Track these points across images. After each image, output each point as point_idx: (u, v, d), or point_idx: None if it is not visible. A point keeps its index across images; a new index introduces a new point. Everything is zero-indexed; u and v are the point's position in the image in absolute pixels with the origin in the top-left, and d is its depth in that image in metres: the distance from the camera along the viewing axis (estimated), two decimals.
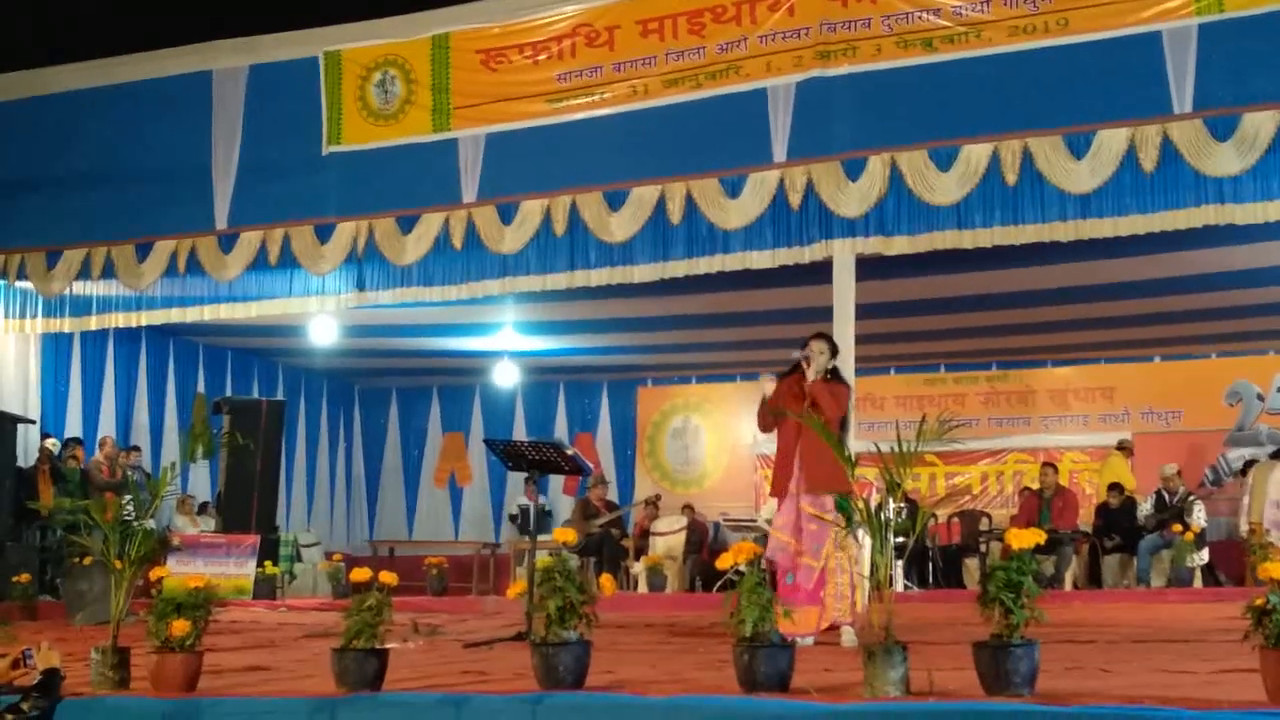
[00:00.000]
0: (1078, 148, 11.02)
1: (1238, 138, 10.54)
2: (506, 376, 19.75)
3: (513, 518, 18.80)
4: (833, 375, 8.23)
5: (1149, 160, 10.77)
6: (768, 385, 8.14)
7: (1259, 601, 4.48)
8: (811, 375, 8.05)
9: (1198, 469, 17.40)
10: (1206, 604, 11.05)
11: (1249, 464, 15.76)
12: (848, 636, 7.74)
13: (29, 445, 15.29)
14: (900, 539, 11.78)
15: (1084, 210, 11.03)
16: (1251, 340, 17.41)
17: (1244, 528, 15.04)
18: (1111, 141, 10.91)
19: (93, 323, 14.72)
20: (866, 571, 7.68)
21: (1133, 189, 10.89)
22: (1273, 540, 14.23)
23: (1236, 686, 4.93)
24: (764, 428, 8.28)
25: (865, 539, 7.56)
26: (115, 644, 5.87)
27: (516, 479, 18.56)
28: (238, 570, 13.83)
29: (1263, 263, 13.31)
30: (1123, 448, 16.84)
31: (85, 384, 16.99)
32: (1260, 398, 17.68)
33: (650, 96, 12.46)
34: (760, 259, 12.12)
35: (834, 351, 8.24)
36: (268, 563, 14.44)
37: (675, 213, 12.24)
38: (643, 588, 15.20)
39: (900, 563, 12.89)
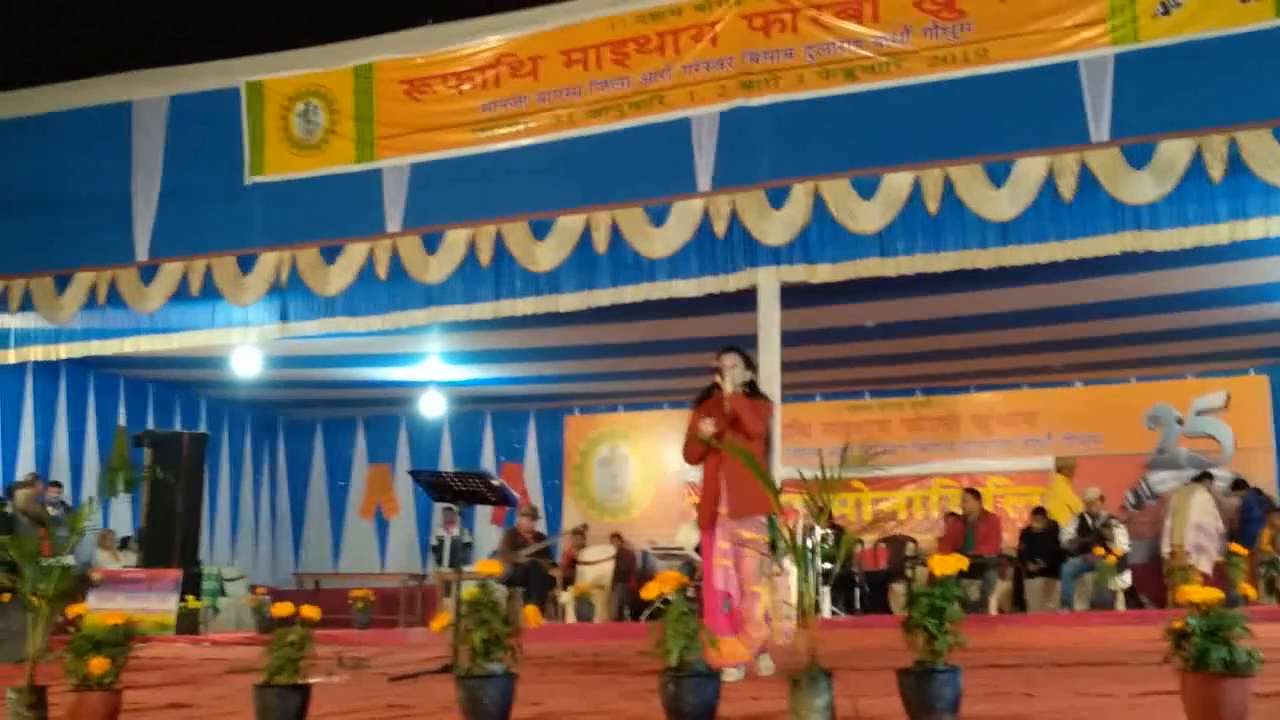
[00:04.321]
0: (997, 176, 11.17)
1: (1154, 165, 10.72)
2: (433, 407, 19.65)
3: (433, 549, 18.67)
4: (751, 390, 7.86)
5: (1068, 188, 10.93)
6: (705, 425, 7.65)
7: (1178, 624, 4.51)
8: (729, 387, 7.69)
9: (1119, 492, 17.58)
10: (1129, 627, 11.15)
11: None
12: (765, 664, 7.51)
13: None
14: (827, 565, 11.91)
15: (1004, 238, 11.18)
16: (1170, 364, 17.65)
17: (1166, 550, 15.23)
18: (1030, 170, 11.06)
19: (11, 356, 14.49)
20: (788, 598, 7.55)
21: (1052, 216, 11.04)
22: (1193, 563, 14.43)
23: (1157, 709, 4.98)
24: (692, 459, 7.89)
25: (790, 566, 7.47)
26: (32, 682, 5.77)
27: (444, 510, 18.44)
28: (160, 605, 13.63)
29: (1180, 289, 13.49)
30: (1063, 469, 16.96)
31: (4, 418, 16.72)
32: (1179, 421, 17.92)
33: (575, 126, 12.50)
34: (686, 287, 12.19)
35: (748, 364, 7.89)
36: (190, 597, 14.26)
37: (601, 242, 12.28)
38: (571, 617, 15.14)
39: (827, 589, 12.92)
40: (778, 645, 7.41)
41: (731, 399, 7.66)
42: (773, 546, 7.15)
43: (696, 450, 7.78)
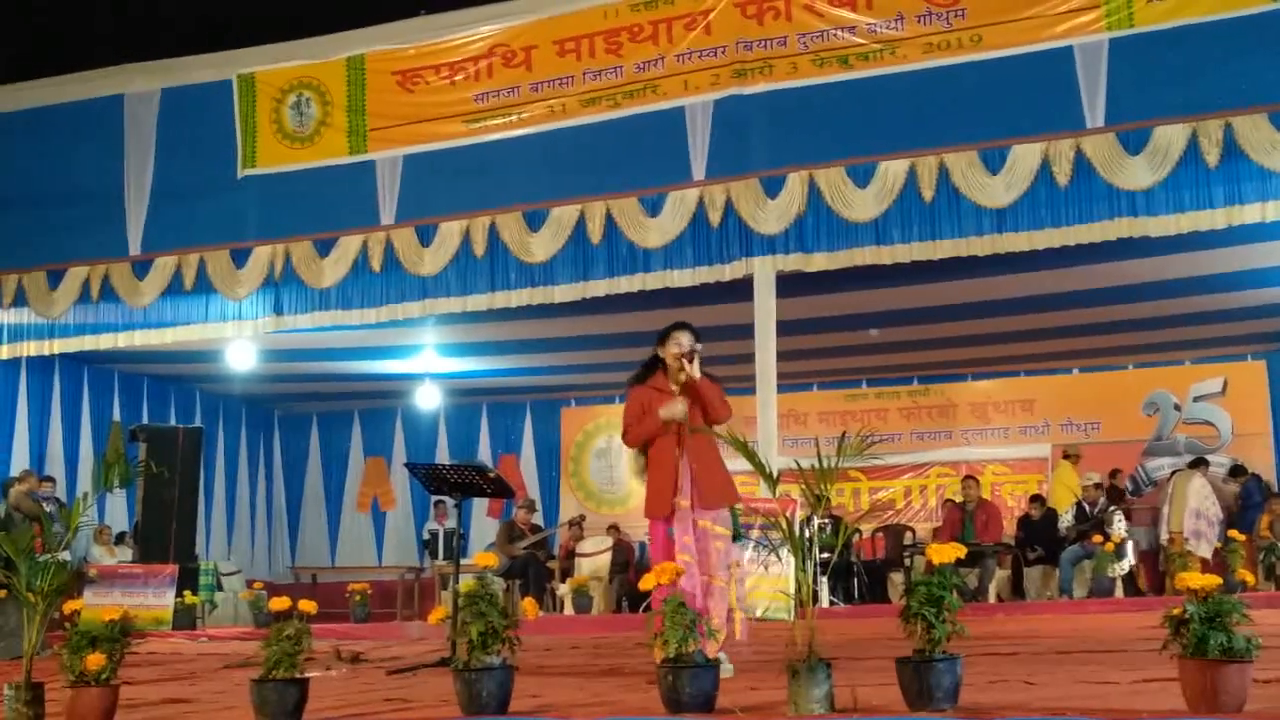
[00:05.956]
0: (993, 163, 11.17)
1: (1149, 151, 10.72)
2: (429, 399, 19.62)
3: (426, 543, 18.64)
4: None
5: (1063, 174, 10.93)
6: (678, 405, 6.99)
7: (1176, 611, 4.49)
8: (697, 373, 7.04)
9: (1117, 479, 17.54)
10: (1128, 614, 11.13)
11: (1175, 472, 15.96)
12: (725, 667, 6.34)
13: None
14: (825, 554, 11.89)
15: (1000, 225, 11.18)
16: (1168, 351, 17.62)
17: (1164, 537, 15.20)
18: (1026, 156, 11.06)
19: (3, 351, 14.51)
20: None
21: (1048, 203, 11.05)
22: (1192, 549, 14.41)
23: (1157, 696, 4.95)
24: (636, 442, 7.15)
25: (788, 556, 7.34)
26: (29, 679, 5.73)
27: (435, 504, 18.42)
28: (156, 600, 13.60)
29: (1177, 274, 13.46)
30: (1069, 455, 16.93)
31: None
32: (1177, 407, 17.90)
33: (568, 116, 12.49)
34: (681, 277, 12.19)
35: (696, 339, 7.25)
36: (187, 592, 14.22)
37: (595, 232, 12.27)
38: (569, 609, 15.12)
39: (825, 579, 12.90)
40: (737, 640, 7.01)
41: (702, 383, 7.09)
42: (735, 537, 7.04)
43: (646, 433, 7.12)
